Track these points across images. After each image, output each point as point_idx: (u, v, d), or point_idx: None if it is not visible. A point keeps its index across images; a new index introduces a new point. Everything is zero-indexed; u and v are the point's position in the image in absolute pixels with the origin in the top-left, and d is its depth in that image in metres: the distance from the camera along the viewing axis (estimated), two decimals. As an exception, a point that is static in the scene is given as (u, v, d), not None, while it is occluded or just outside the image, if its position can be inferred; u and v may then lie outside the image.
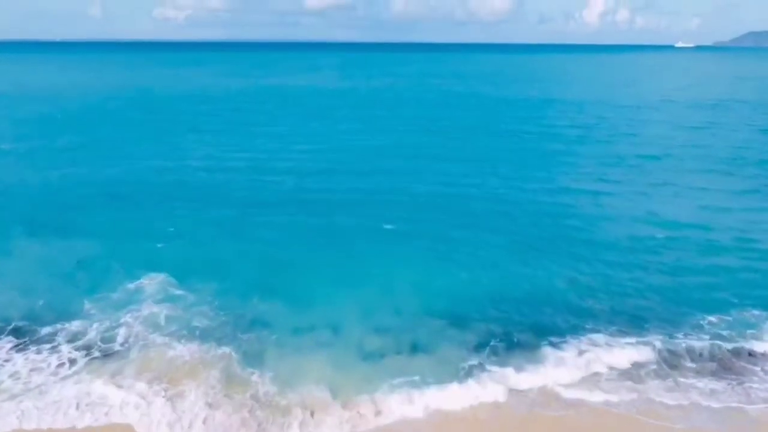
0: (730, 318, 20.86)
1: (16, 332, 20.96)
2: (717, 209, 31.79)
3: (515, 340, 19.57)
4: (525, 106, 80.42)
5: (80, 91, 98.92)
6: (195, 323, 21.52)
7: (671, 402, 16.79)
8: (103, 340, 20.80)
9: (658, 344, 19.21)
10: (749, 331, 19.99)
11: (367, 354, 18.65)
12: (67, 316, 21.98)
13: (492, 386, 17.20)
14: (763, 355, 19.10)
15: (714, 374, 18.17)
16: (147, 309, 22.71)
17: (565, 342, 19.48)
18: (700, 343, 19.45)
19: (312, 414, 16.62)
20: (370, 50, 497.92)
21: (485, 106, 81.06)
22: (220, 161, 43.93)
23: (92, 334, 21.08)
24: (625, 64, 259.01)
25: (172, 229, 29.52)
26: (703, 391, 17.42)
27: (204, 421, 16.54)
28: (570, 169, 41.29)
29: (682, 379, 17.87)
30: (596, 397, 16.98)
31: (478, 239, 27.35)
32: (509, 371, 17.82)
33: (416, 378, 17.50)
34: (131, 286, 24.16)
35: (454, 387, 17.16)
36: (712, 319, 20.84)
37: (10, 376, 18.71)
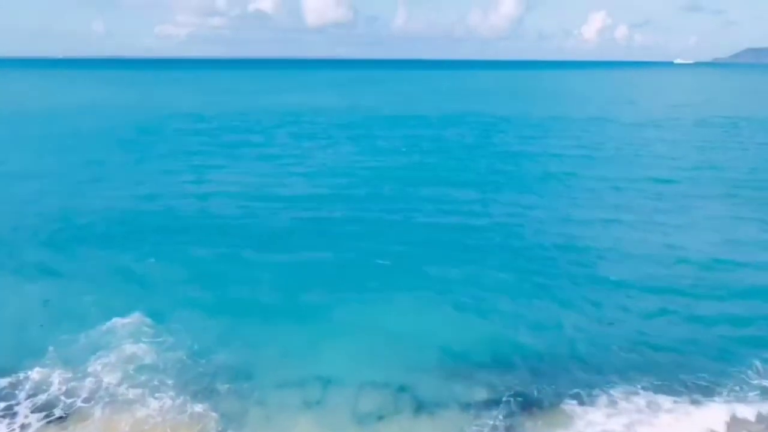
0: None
1: (-33, 387, 18.62)
2: (743, 241, 29.06)
3: (532, 395, 17.17)
4: (526, 125, 78.47)
5: (68, 110, 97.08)
6: (170, 373, 19.17)
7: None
8: (67, 394, 18.45)
9: (703, 400, 16.71)
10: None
11: (363, 416, 16.27)
12: (29, 364, 19.62)
13: (507, 455, 14.84)
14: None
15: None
16: (118, 355, 20.36)
17: (592, 397, 17.03)
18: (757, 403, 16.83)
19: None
20: (370, 67, 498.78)
21: (485, 124, 79.08)
22: (208, 188, 41.19)
23: (54, 388, 18.70)
24: (625, 81, 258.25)
25: (151, 265, 27.05)
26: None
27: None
28: (577, 194, 38.96)
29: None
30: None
31: (482, 277, 24.88)
32: (527, 436, 15.44)
33: (419, 445, 15.14)
34: (103, 327, 21.84)
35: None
36: (758, 365, 18.39)
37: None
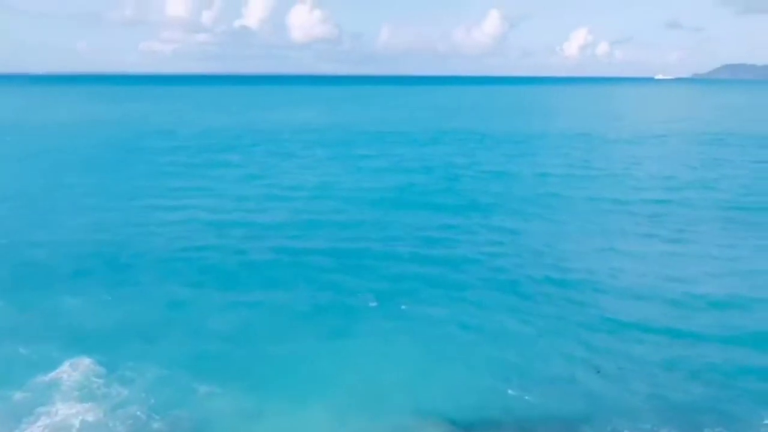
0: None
1: None
2: (750, 272, 27.10)
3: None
4: (513, 141, 76.90)
5: (41, 127, 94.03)
6: (120, 435, 16.74)
7: None
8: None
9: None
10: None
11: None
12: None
13: None
14: None
15: None
16: (62, 412, 17.88)
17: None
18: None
19: None
20: (355, 83, 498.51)
21: (471, 141, 77.42)
22: (177, 215, 38.03)
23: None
24: (609, 96, 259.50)
25: (103, 306, 24.35)
26: None
27: None
28: (568, 220, 36.94)
29: None
30: None
31: (476, 318, 22.62)
32: None
33: None
34: (46, 378, 19.32)
35: None
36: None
37: None
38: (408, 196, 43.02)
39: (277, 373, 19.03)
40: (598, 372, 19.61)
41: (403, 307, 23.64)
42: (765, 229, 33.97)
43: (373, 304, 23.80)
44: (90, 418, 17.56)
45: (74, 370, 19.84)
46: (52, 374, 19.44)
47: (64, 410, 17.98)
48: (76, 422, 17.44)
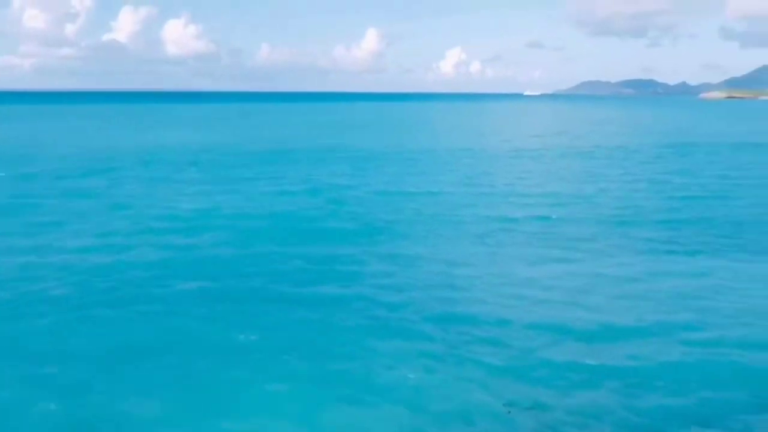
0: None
1: None
2: (649, 292, 26.69)
3: None
4: (399, 159, 76.31)
5: None
6: None
7: None
8: None
9: None
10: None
11: None
12: None
13: None
14: None
15: None
16: None
17: None
18: None
19: None
20: (235, 100, 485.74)
21: (357, 159, 75.80)
22: (24, 257, 31.62)
23: None
24: (487, 111, 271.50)
25: None
26: None
27: None
28: (462, 241, 35.44)
29: None
30: None
31: (363, 365, 19.93)
32: None
33: None
34: None
35: None
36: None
37: None
38: (293, 224, 39.85)
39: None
40: (509, 413, 17.86)
41: (284, 356, 20.60)
42: (648, 244, 34.53)
43: (251, 355, 20.48)
44: None
45: None
46: None
47: None
48: None
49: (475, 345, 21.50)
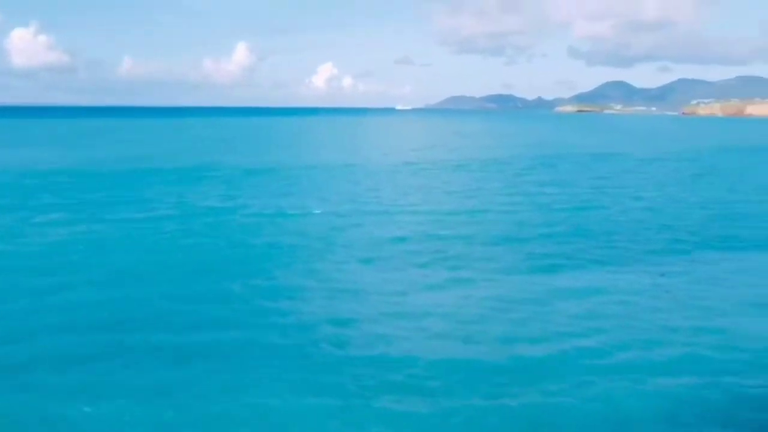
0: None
1: None
2: (558, 317, 25.99)
3: None
4: (279, 177, 72.89)
5: None
6: None
7: None
8: None
9: None
10: None
11: None
12: None
13: None
14: None
15: None
16: None
17: None
18: None
19: None
20: (95, 115, 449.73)
21: (229, 179, 71.40)
22: None
23: None
24: (362, 125, 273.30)
25: None
26: None
27: None
28: (351, 267, 33.18)
29: None
30: None
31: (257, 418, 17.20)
32: None
33: None
34: None
35: None
36: None
37: None
38: (164, 257, 35.28)
39: None
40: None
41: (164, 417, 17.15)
42: (539, 260, 34.31)
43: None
44: None
45: None
46: None
47: None
48: None
49: (375, 390, 19.21)
